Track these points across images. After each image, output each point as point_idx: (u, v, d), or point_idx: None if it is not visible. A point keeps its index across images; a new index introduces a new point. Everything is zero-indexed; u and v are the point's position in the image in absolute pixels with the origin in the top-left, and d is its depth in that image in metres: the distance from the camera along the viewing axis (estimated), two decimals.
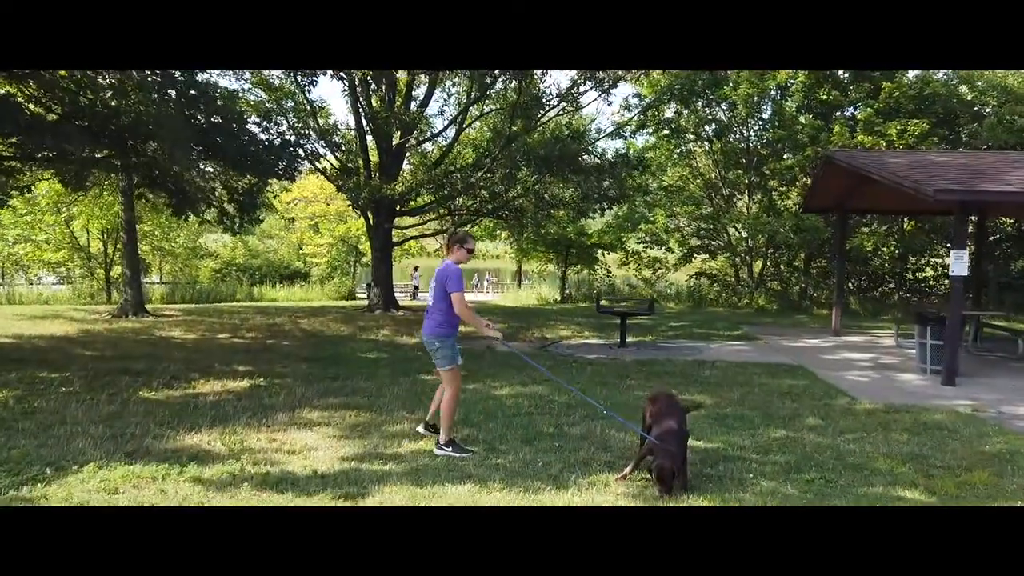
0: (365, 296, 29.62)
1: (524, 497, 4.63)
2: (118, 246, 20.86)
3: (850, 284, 23.83)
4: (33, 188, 12.56)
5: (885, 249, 22.48)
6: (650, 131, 23.05)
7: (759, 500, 4.68)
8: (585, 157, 16.84)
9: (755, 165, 22.49)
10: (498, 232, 26.95)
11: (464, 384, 6.77)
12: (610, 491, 4.82)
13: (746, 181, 22.90)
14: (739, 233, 23.56)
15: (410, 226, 19.63)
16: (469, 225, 19.65)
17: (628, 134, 21.76)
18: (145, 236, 23.86)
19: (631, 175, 17.77)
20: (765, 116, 22.42)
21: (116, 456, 5.27)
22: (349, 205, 21.14)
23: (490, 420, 6.75)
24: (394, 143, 16.91)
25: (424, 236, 23.00)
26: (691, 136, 22.98)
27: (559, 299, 25.26)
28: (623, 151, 19.30)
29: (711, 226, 23.33)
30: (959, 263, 9.10)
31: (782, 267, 23.98)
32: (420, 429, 6.15)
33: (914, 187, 8.98)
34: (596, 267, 26.53)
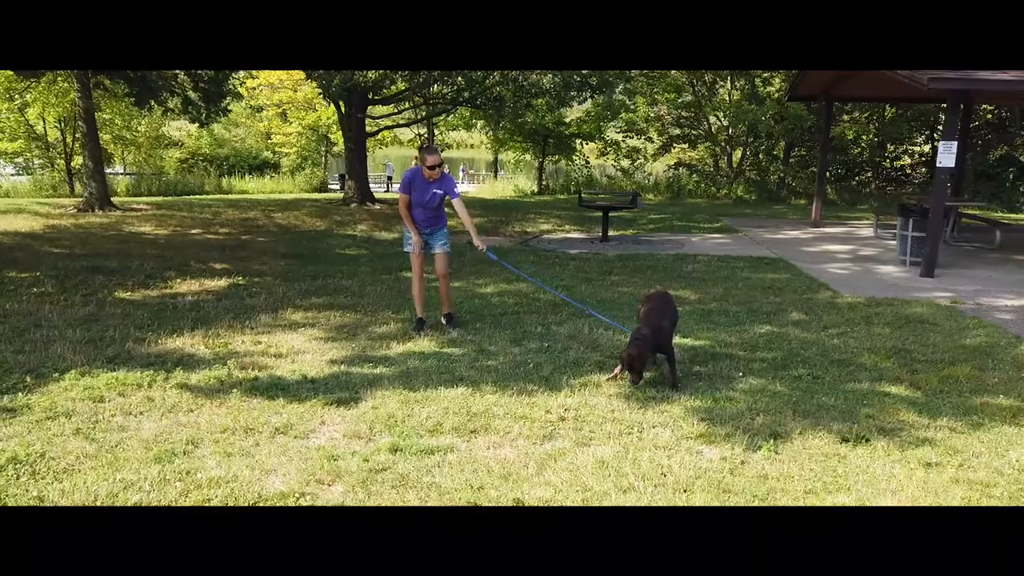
0: (338, 188, 29.09)
1: (518, 400, 4.62)
2: (77, 136, 19.92)
3: (827, 174, 23.77)
4: None
5: (864, 138, 22.32)
6: None
7: (749, 399, 4.72)
8: None
9: None
10: (475, 121, 26.19)
11: (451, 283, 6.79)
12: (602, 392, 4.83)
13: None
14: (720, 122, 23.16)
15: (384, 116, 18.94)
16: (445, 115, 19.01)
17: None
18: (105, 125, 22.78)
19: None
20: None
21: (97, 362, 5.14)
22: (319, 93, 20.23)
23: (477, 320, 6.70)
24: None
25: (398, 126, 22.25)
26: None
27: (536, 191, 24.96)
28: None
29: (692, 114, 22.86)
30: (947, 154, 9.00)
31: (761, 157, 23.78)
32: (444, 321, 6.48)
33: (908, 75, 8.73)
34: (574, 157, 26.07)
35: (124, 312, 6.61)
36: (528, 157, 28.24)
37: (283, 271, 8.93)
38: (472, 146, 43.11)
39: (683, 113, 22.88)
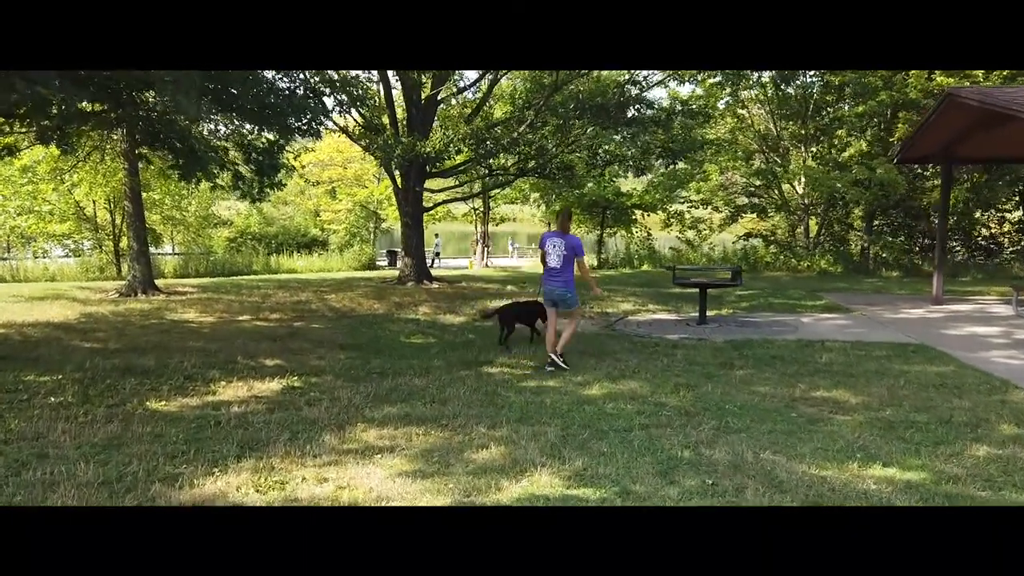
0: (385, 264, 28.19)
1: None
2: (124, 216, 19.27)
3: (912, 244, 22.00)
4: (16, 150, 10.82)
5: (953, 204, 20.54)
6: (697, 78, 21.00)
7: None
8: (639, 107, 14.92)
9: (811, 114, 20.54)
10: (530, 194, 25.17)
11: (543, 381, 6.73)
12: None
13: (802, 132, 20.95)
14: (795, 189, 21.69)
15: (442, 189, 17.91)
16: (503, 187, 17.85)
17: (675, 82, 19.73)
18: (155, 205, 22.27)
19: (694, 126, 15.85)
20: None
21: None
22: (375, 167, 19.39)
23: (599, 439, 5.17)
24: (423, 95, 15.13)
25: (457, 200, 21.20)
26: (745, 81, 20.92)
27: (596, 264, 23.57)
28: (668, 101, 17.33)
29: (764, 182, 21.45)
30: None
31: (835, 226, 22.14)
32: (548, 367, 7.38)
33: None
34: (633, 229, 24.70)
35: (154, 432, 5.24)
36: (584, 230, 27.00)
37: (344, 367, 7.56)
38: (514, 219, 42.14)
39: (755, 181, 21.49)
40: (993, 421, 5.67)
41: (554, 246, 7.50)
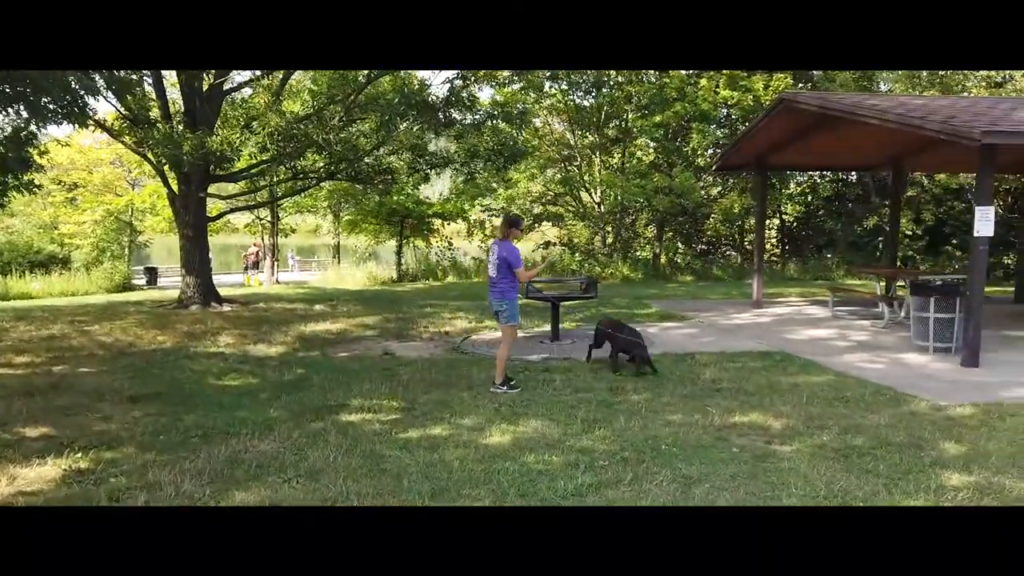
0: (144, 283, 24.44)
1: None
2: None
3: (684, 246, 23.27)
4: None
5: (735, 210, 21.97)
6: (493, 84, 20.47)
7: None
8: (467, 106, 13.79)
9: (602, 124, 20.89)
10: (319, 204, 23.12)
11: (425, 429, 5.55)
12: None
13: (596, 141, 21.26)
14: (592, 198, 21.97)
15: (231, 196, 15.46)
16: (302, 194, 15.89)
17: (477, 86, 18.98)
18: None
19: (512, 130, 15.08)
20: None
21: None
22: (137, 169, 16.33)
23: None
24: (205, 84, 12.82)
25: (248, 208, 18.47)
26: (547, 91, 20.76)
27: (396, 278, 22.13)
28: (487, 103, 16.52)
29: (565, 191, 21.47)
30: (985, 221, 7.69)
31: (624, 232, 22.80)
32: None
33: (951, 130, 7.35)
34: (433, 240, 23.61)
35: None
36: (380, 241, 25.38)
37: (147, 430, 5.59)
38: (293, 230, 39.18)
39: (557, 189, 21.44)
40: (929, 439, 5.32)
41: (491, 252, 7.11)
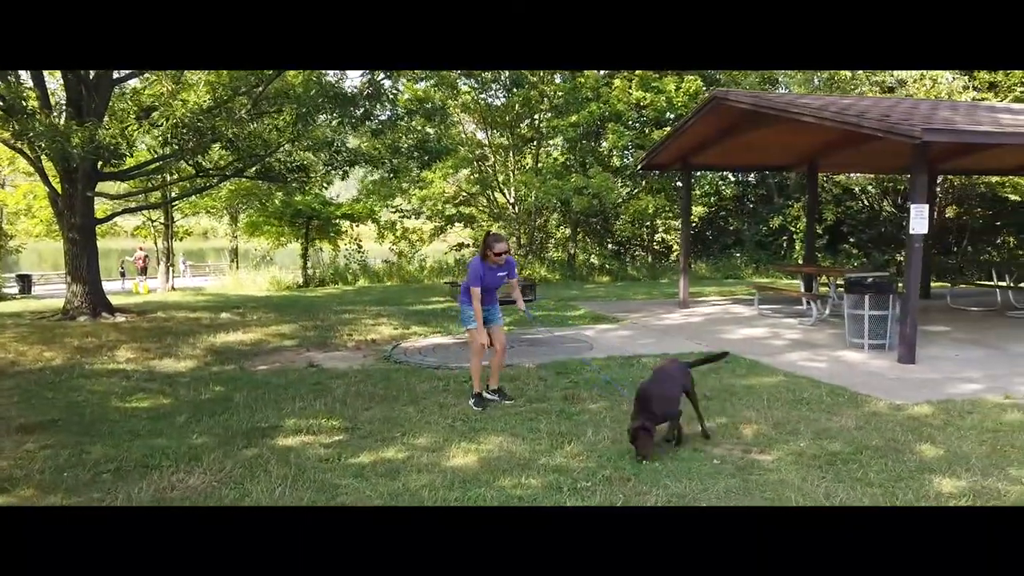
0: (16, 291, 22.31)
1: None
2: None
3: (610, 248, 23.41)
4: None
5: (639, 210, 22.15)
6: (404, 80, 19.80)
7: None
8: (387, 100, 13.05)
9: (514, 124, 20.62)
10: (218, 205, 21.71)
11: (378, 452, 4.82)
12: None
13: (515, 142, 20.97)
14: (506, 198, 21.65)
15: (122, 195, 14.08)
16: (199, 194, 14.72)
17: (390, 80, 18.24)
18: None
19: (435, 127, 14.47)
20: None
21: None
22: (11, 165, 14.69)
23: None
24: (92, 73, 11.59)
25: (149, 207, 16.88)
26: (462, 87, 20.23)
27: (302, 283, 21.02)
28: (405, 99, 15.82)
29: (478, 191, 21.06)
30: (919, 219, 7.80)
31: (537, 233, 22.67)
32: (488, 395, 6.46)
33: (888, 127, 7.40)
34: (340, 242, 22.59)
35: None
36: (281, 244, 24.10)
37: (48, 466, 4.76)
38: (187, 234, 36.99)
39: (471, 189, 20.99)
40: (903, 442, 5.20)
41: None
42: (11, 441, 5.35)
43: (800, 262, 18.60)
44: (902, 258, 19.82)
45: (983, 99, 17.83)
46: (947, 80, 17.80)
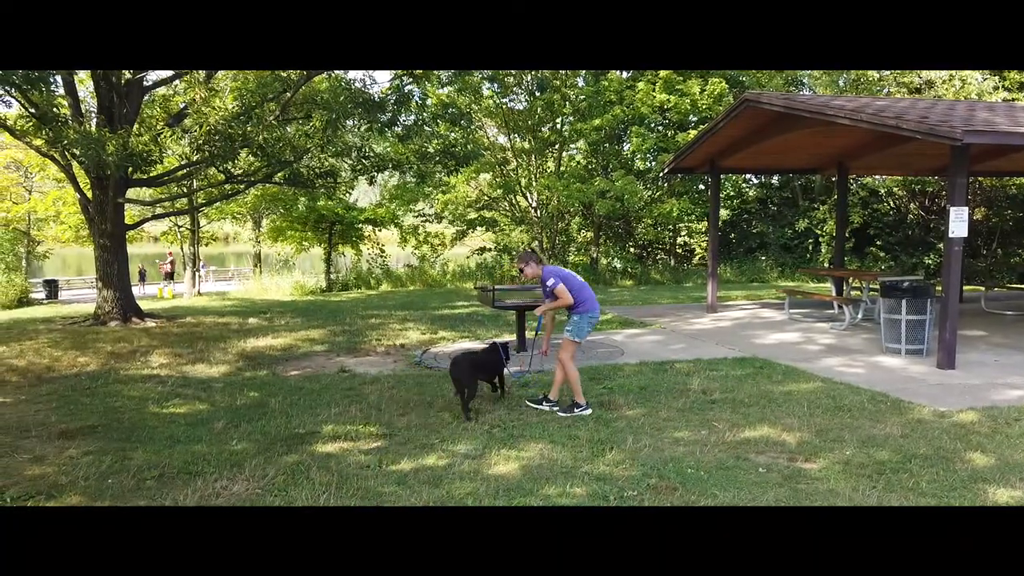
0: (43, 297, 22.55)
1: None
2: None
3: (632, 251, 23.30)
4: None
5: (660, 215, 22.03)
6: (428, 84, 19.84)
7: None
8: (415, 105, 13.13)
9: (535, 128, 20.57)
10: (244, 210, 21.87)
11: (418, 459, 4.41)
12: None
13: (537, 145, 20.92)
14: (528, 202, 21.61)
15: (154, 201, 14.21)
16: (227, 200, 14.81)
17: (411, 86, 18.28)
18: None
19: (461, 132, 14.47)
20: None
21: None
22: (40, 173, 14.87)
23: None
24: (123, 77, 11.71)
25: (178, 213, 17.04)
26: (485, 91, 20.23)
27: (325, 287, 21.11)
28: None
29: (501, 195, 21.04)
30: (959, 222, 7.67)
31: (559, 237, 22.60)
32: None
33: (928, 129, 7.28)
34: (363, 247, 22.67)
35: None
36: (304, 248, 24.21)
37: (91, 473, 4.77)
38: (213, 239, 37.31)
39: (493, 194, 20.98)
40: (953, 450, 5.10)
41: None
42: (53, 447, 5.39)
43: (827, 265, 18.42)
44: (930, 261, 19.54)
45: (1013, 99, 17.58)
46: (977, 80, 17.53)
